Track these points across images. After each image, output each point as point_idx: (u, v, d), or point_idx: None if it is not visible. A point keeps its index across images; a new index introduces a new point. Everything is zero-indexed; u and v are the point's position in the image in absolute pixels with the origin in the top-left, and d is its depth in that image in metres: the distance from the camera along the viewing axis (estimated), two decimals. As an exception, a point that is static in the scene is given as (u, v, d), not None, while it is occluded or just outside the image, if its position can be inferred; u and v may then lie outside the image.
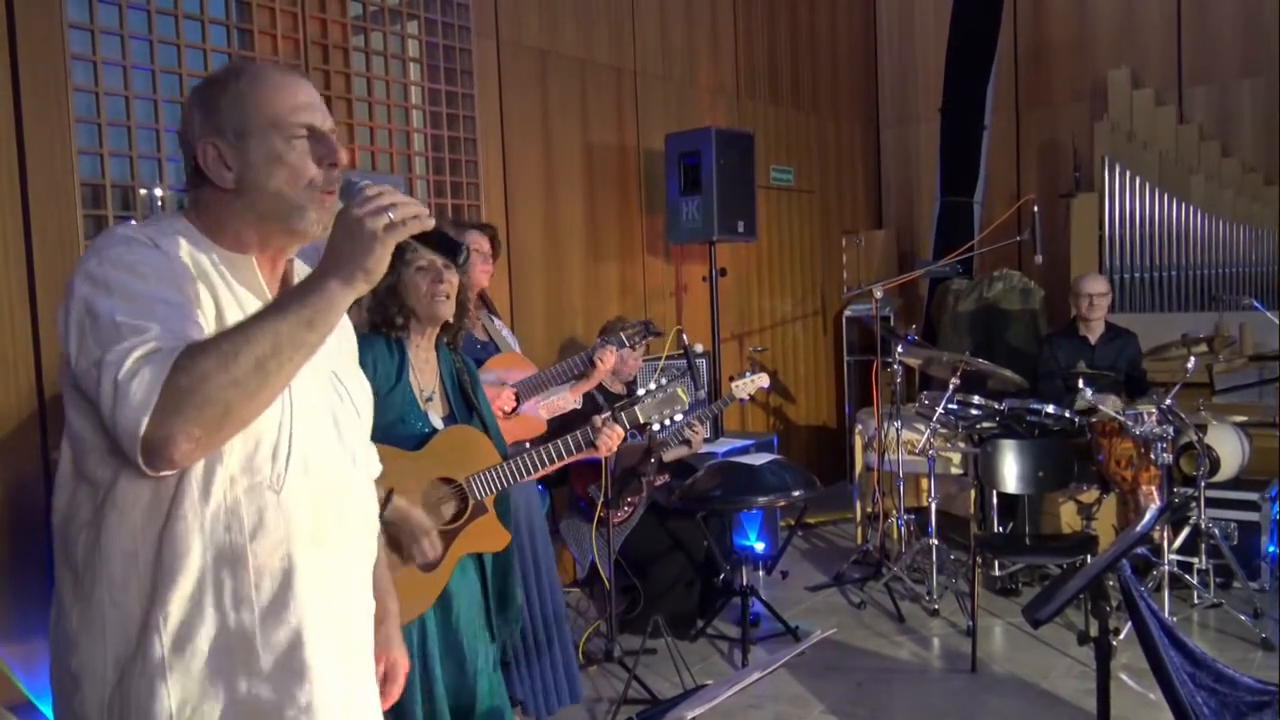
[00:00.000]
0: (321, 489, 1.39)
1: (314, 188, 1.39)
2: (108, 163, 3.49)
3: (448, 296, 2.47)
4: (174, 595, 1.29)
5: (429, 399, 2.47)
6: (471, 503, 2.45)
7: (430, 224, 1.30)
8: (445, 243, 1.38)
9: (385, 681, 1.71)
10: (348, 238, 1.25)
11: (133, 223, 1.39)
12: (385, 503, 2.18)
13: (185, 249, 1.36)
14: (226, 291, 1.37)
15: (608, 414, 2.75)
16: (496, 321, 3.64)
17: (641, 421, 2.79)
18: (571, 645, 3.52)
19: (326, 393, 1.46)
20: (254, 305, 1.38)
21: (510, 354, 3.44)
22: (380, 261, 1.25)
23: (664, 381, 2.90)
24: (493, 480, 2.49)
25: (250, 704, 1.33)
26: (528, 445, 3.02)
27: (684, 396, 2.82)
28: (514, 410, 3.27)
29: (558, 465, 2.66)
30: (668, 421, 2.83)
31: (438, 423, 2.45)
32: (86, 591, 1.33)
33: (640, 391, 2.98)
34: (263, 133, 1.37)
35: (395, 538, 2.24)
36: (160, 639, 1.29)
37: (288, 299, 1.25)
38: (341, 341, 1.55)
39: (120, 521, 1.31)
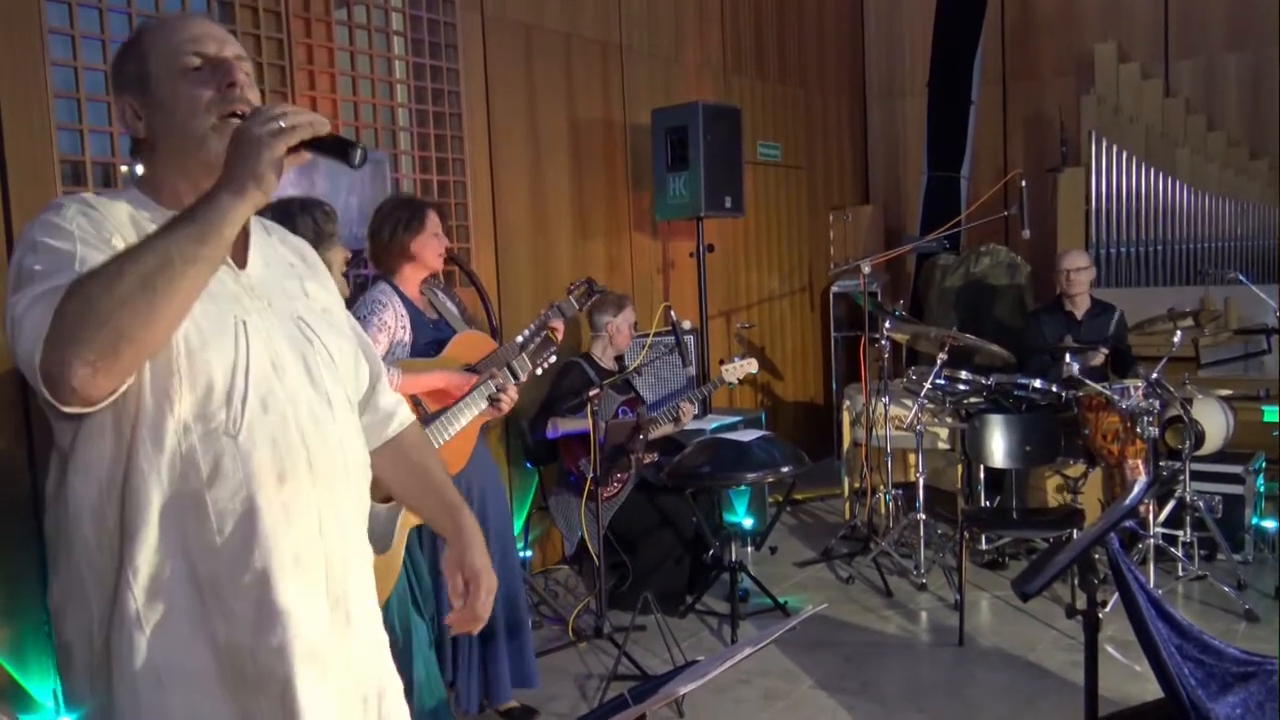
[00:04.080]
0: (284, 428, 1.38)
1: (211, 113, 1.38)
2: (87, 138, 3.44)
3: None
4: (140, 549, 1.30)
5: None
6: None
7: (324, 129, 1.28)
8: (338, 145, 1.32)
9: (469, 593, 1.67)
10: (236, 149, 1.25)
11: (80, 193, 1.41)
12: None
13: (127, 212, 1.38)
14: None
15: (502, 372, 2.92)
16: (441, 294, 3.59)
17: (522, 374, 2.96)
18: (528, 631, 3.47)
19: (293, 336, 1.45)
20: None
21: (469, 334, 3.39)
22: (269, 167, 1.23)
23: (534, 327, 3.00)
24: None
25: (229, 649, 1.34)
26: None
27: (555, 339, 3.08)
28: None
29: (473, 419, 2.69)
30: (545, 365, 3.07)
31: None
32: (65, 559, 1.35)
33: (519, 339, 3.20)
34: (161, 74, 1.39)
35: None
36: (133, 593, 1.30)
37: (181, 215, 1.24)
38: (314, 292, 1.56)
39: (85, 483, 1.32)
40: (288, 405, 1.39)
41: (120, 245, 1.31)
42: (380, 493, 2.30)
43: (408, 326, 3.24)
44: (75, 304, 1.17)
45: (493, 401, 2.82)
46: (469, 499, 3.14)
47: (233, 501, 1.33)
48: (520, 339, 3.35)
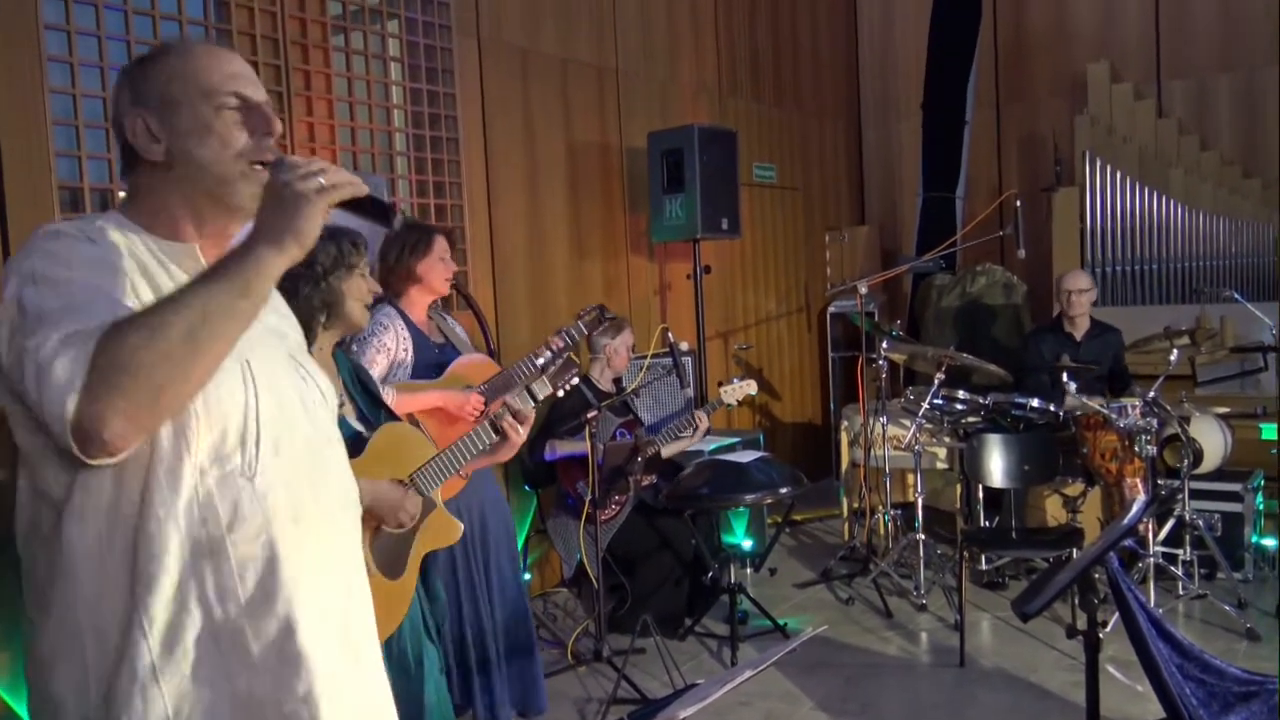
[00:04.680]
0: (294, 470, 1.36)
1: (244, 157, 1.36)
2: (86, 165, 3.45)
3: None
4: (156, 597, 1.25)
5: (341, 404, 2.42)
6: (421, 500, 2.43)
7: (363, 190, 1.28)
8: (378, 208, 1.33)
9: None
10: (276, 203, 1.23)
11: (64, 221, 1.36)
12: None
13: (118, 240, 1.32)
14: (169, 282, 1.32)
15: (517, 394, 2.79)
16: (450, 320, 3.61)
17: (541, 396, 2.84)
18: (537, 652, 3.50)
19: (291, 376, 1.43)
20: None
21: (472, 357, 3.40)
22: (312, 224, 1.23)
23: (556, 348, 2.97)
24: (436, 472, 2.47)
25: (249, 699, 1.29)
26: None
27: (575, 360, 2.99)
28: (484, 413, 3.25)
29: (492, 447, 2.62)
30: (568, 388, 2.94)
31: (357, 426, 2.42)
32: (56, 610, 1.28)
33: (540, 361, 3.16)
34: (192, 101, 1.35)
35: (374, 518, 2.26)
36: (147, 643, 1.25)
37: (218, 267, 1.21)
38: (291, 330, 1.54)
39: (83, 531, 1.26)
40: (294, 446, 1.38)
41: (125, 277, 1.28)
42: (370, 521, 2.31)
43: (410, 349, 3.25)
44: (115, 355, 1.14)
45: (497, 430, 2.74)
46: (468, 520, 3.14)
47: (253, 546, 1.30)
48: (540, 360, 3.31)
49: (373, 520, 2.27)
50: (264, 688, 1.30)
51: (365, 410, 2.49)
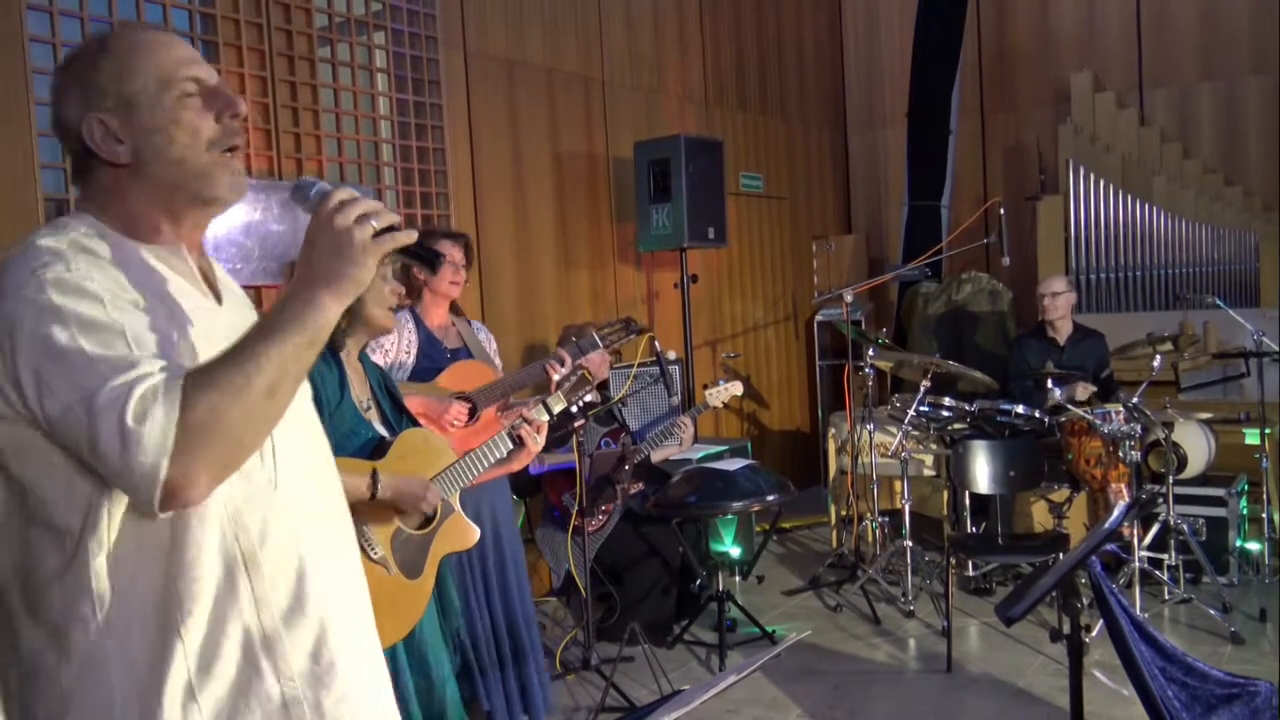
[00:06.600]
0: (303, 474, 1.37)
1: (215, 146, 1.31)
2: (71, 177, 3.45)
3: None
4: (193, 618, 1.23)
5: (367, 408, 2.48)
6: (440, 504, 2.47)
7: (413, 236, 1.25)
8: (425, 253, 1.31)
9: None
10: (333, 249, 1.19)
11: (42, 231, 1.25)
12: (373, 484, 2.24)
13: (115, 253, 1.25)
14: (176, 292, 1.29)
15: (534, 405, 2.83)
16: (475, 325, 3.65)
17: (556, 410, 2.87)
18: (542, 654, 3.53)
19: None
20: (200, 301, 1.32)
21: (465, 363, 3.42)
22: (370, 271, 1.21)
23: (574, 365, 3.03)
24: (455, 478, 2.52)
25: (287, 706, 1.29)
26: None
27: (590, 378, 3.01)
28: (472, 419, 3.26)
29: (508, 457, 2.69)
30: (581, 404, 2.99)
31: (381, 430, 2.47)
32: (77, 645, 1.23)
33: (555, 377, 3.20)
34: (153, 95, 1.28)
35: (394, 512, 2.33)
36: (185, 663, 1.23)
37: (282, 319, 1.18)
38: None
39: (116, 564, 1.22)
40: (298, 450, 1.37)
41: (150, 304, 1.22)
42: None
43: (413, 352, 3.30)
44: (203, 415, 1.12)
45: (515, 440, 2.76)
46: (479, 521, 3.15)
47: (283, 555, 1.30)
48: (557, 376, 3.30)
49: (392, 515, 2.31)
50: (303, 692, 1.30)
51: (389, 414, 2.55)
